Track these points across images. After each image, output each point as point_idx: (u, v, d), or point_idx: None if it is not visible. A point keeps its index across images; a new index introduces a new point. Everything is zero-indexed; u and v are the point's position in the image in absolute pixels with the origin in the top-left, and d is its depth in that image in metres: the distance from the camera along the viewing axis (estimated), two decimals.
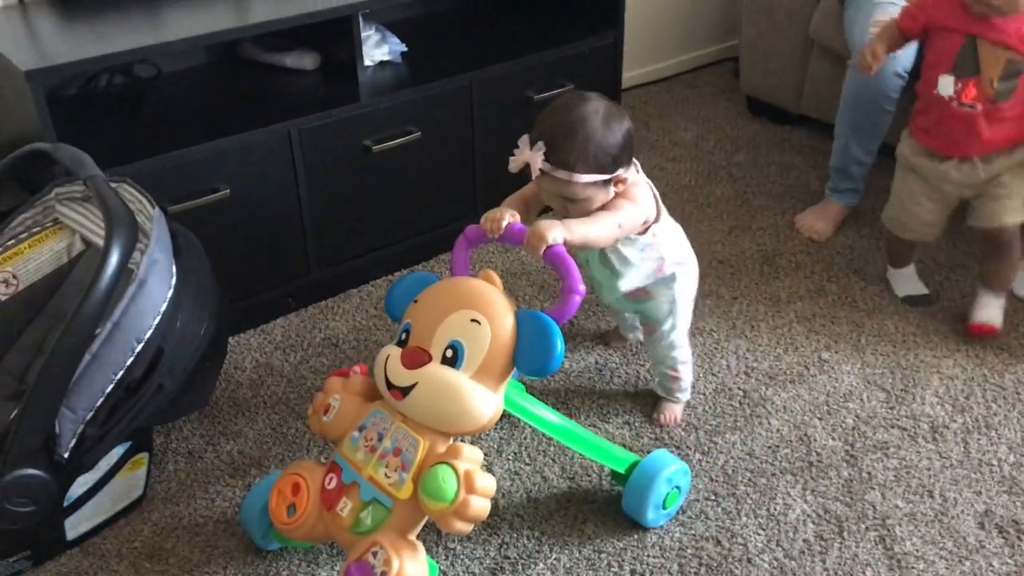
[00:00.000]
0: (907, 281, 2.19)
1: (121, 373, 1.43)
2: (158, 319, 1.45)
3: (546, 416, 1.53)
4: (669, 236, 1.65)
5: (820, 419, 1.83)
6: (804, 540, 1.58)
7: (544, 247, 1.37)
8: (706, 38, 3.39)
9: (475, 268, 2.25)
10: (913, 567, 1.53)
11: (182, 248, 1.56)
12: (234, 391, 1.91)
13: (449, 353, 1.33)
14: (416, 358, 1.33)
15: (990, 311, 2.02)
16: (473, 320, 1.34)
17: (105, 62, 1.77)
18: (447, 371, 1.32)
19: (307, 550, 1.56)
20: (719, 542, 1.58)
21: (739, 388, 1.91)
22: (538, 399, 1.87)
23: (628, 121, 1.51)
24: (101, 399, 1.42)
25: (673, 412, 1.83)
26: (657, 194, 1.60)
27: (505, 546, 1.57)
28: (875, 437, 1.78)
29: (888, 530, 1.59)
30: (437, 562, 1.50)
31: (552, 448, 1.75)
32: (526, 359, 1.35)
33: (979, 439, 1.78)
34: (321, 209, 2.06)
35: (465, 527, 1.29)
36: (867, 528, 1.60)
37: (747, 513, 1.63)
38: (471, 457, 1.31)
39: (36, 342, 1.68)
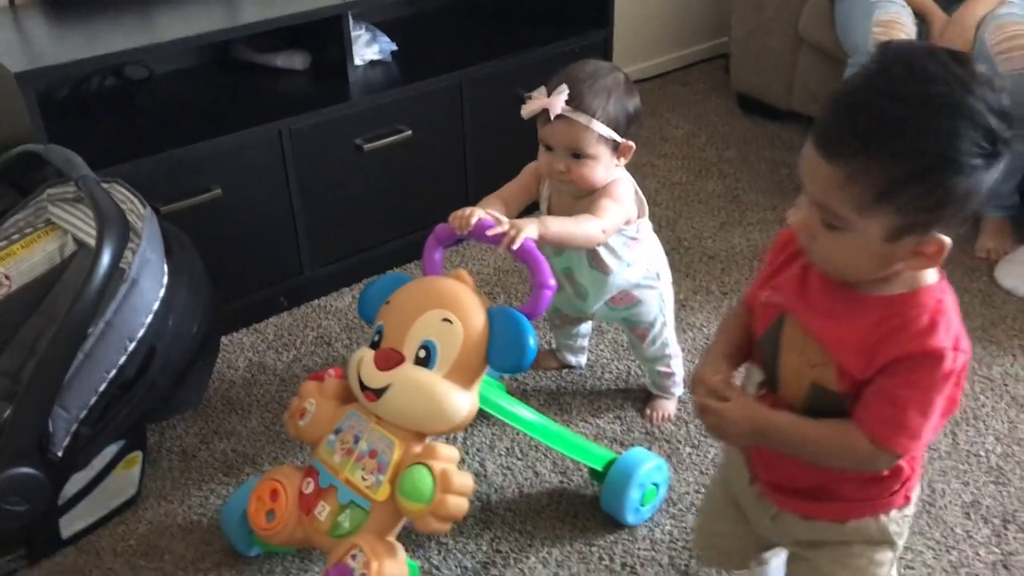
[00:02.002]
0: None
1: (114, 372, 1.44)
2: (150, 318, 1.46)
3: (522, 414, 1.53)
4: (651, 234, 1.66)
5: None
6: None
7: (515, 243, 1.37)
8: (697, 35, 3.40)
9: (468, 265, 2.27)
10: (901, 557, 1.54)
11: (174, 247, 1.57)
12: (227, 390, 1.92)
13: (422, 353, 1.33)
14: (389, 359, 1.33)
15: None
16: (445, 319, 1.33)
17: (96, 64, 1.78)
18: (420, 371, 1.32)
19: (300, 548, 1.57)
20: None
21: None
22: (525, 396, 1.88)
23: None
24: (94, 398, 1.43)
25: (666, 409, 1.83)
26: (640, 192, 1.61)
27: (497, 540, 1.59)
28: None
29: None
30: (418, 561, 1.51)
31: (544, 444, 1.76)
32: (498, 357, 1.35)
33: (967, 430, 1.79)
34: (313, 208, 2.07)
35: (443, 526, 1.30)
36: None
37: None
38: (447, 456, 1.31)
39: (30, 342, 1.69)
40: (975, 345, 2.00)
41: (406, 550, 1.34)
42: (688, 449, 1.76)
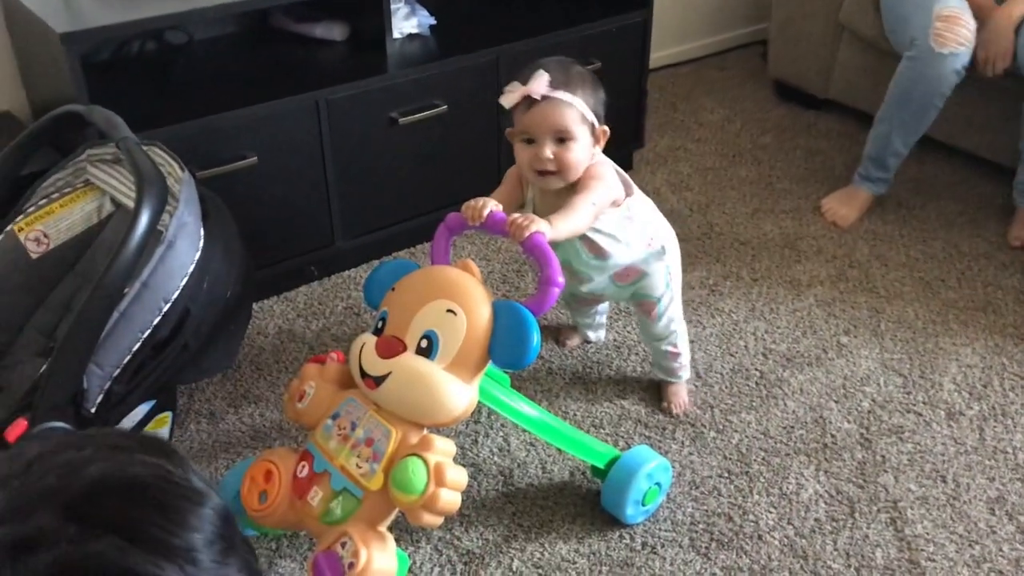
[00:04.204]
0: None
1: (148, 332, 1.46)
2: (185, 280, 1.48)
3: (523, 409, 1.51)
4: (647, 210, 1.65)
5: (836, 402, 1.84)
6: (815, 519, 1.59)
7: (526, 235, 1.36)
8: (735, 21, 3.37)
9: (490, 256, 2.27)
10: (923, 549, 1.54)
11: (210, 212, 1.58)
12: (257, 356, 1.94)
13: (424, 343, 1.31)
14: (390, 348, 1.31)
15: None
16: (449, 310, 1.31)
17: (138, 27, 1.79)
18: (420, 362, 1.31)
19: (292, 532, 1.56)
20: (731, 518, 1.59)
21: (756, 369, 1.92)
22: (551, 375, 1.89)
23: None
24: (128, 357, 1.45)
25: (680, 396, 1.82)
26: (624, 173, 1.61)
27: (519, 515, 1.60)
28: (890, 421, 1.79)
29: (900, 513, 1.60)
30: (408, 553, 1.51)
31: (567, 420, 1.77)
32: (501, 352, 1.33)
33: (995, 426, 1.78)
34: (346, 179, 2.08)
35: (434, 520, 1.28)
36: (879, 510, 1.61)
37: (759, 491, 1.64)
38: (443, 449, 1.29)
39: (65, 300, 1.71)
40: (1006, 342, 1.98)
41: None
42: (713, 434, 1.76)
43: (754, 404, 1.83)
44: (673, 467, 1.65)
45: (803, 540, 1.55)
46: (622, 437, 1.75)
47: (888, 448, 1.73)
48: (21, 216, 1.66)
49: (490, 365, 1.38)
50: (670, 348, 1.78)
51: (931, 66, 2.18)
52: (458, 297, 1.33)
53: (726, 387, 1.87)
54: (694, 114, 2.92)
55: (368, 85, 2.03)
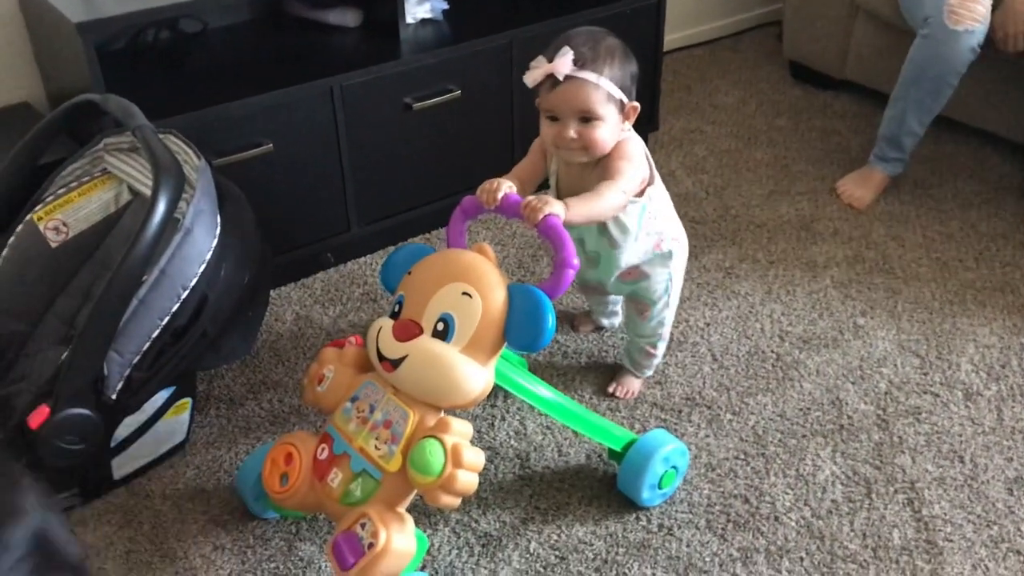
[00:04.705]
0: None
1: (167, 319, 1.47)
2: (203, 267, 1.49)
3: (540, 392, 1.52)
4: (664, 204, 1.64)
5: (853, 383, 1.83)
6: (832, 500, 1.59)
7: (541, 217, 1.36)
8: (750, 2, 3.35)
9: (506, 240, 2.27)
10: (940, 530, 1.54)
11: (226, 199, 1.59)
12: (275, 342, 1.95)
13: (440, 326, 1.32)
14: (407, 331, 1.32)
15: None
16: (464, 293, 1.32)
17: (153, 16, 1.81)
18: (437, 344, 1.32)
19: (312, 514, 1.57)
20: (747, 500, 1.59)
21: (772, 351, 1.92)
22: (567, 358, 1.89)
23: None
24: (147, 343, 1.47)
25: (632, 385, 1.82)
26: (649, 153, 1.60)
27: (536, 497, 1.61)
28: (907, 402, 1.79)
29: (917, 493, 1.60)
30: (427, 534, 1.52)
31: (583, 403, 1.77)
32: (516, 334, 1.33)
33: (1013, 407, 1.77)
34: (361, 166, 2.08)
35: (452, 501, 1.29)
36: (896, 491, 1.61)
37: (776, 473, 1.64)
38: (460, 431, 1.30)
39: (84, 288, 1.73)
40: None
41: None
42: (729, 416, 1.76)
43: (770, 386, 1.83)
44: (689, 449, 1.66)
45: (820, 521, 1.55)
46: (638, 420, 1.76)
47: (905, 429, 1.73)
48: (40, 205, 1.67)
49: (507, 348, 1.39)
50: (648, 348, 1.78)
51: (946, 44, 2.17)
52: (473, 280, 1.34)
53: (742, 369, 1.87)
54: (709, 96, 2.91)
55: (382, 71, 2.03)
